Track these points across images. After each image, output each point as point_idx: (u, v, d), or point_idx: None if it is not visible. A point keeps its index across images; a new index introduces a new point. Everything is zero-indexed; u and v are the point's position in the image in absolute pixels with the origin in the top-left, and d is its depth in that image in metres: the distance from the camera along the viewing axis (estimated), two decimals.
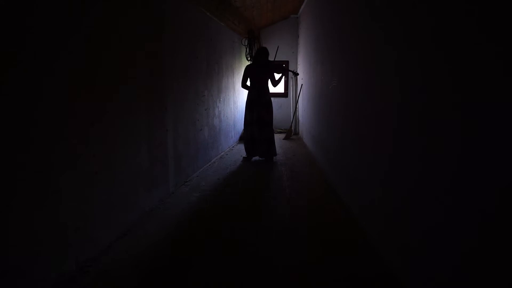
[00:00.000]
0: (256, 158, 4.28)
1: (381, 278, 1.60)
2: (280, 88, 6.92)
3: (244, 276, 1.63)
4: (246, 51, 5.81)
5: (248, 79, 4.14)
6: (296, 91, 6.49)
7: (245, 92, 5.99)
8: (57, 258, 1.53)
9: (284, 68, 4.42)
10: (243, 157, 4.30)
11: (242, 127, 5.95)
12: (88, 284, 1.56)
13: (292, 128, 6.36)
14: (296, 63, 6.63)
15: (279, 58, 6.62)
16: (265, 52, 4.11)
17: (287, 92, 6.86)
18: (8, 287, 1.28)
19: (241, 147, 5.15)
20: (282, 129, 6.70)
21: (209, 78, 3.95)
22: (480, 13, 1.00)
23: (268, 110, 4.11)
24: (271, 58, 4.98)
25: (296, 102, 6.34)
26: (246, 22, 5.45)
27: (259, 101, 4.06)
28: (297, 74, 4.85)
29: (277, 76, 4.30)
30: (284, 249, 1.90)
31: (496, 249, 0.93)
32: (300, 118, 6.24)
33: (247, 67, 4.13)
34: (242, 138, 5.65)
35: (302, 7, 5.60)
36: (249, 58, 5.84)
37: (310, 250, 1.88)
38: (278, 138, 6.05)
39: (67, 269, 1.58)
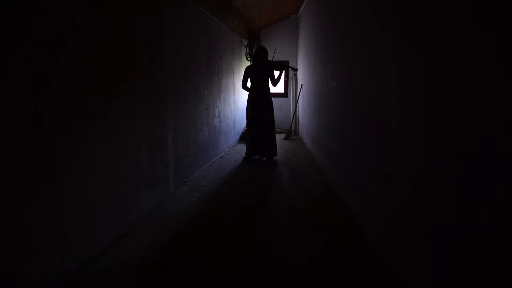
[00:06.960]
0: (256, 157, 4.29)
1: (381, 277, 1.60)
2: (280, 88, 6.92)
3: (245, 276, 1.63)
4: (246, 51, 5.81)
5: (249, 80, 4.15)
6: (296, 91, 6.49)
7: (245, 92, 6.02)
8: (57, 258, 1.53)
9: (283, 64, 4.42)
10: (243, 156, 4.31)
11: (242, 127, 5.97)
12: (88, 284, 1.56)
13: (292, 128, 6.36)
14: (296, 63, 6.63)
15: (278, 58, 6.63)
16: (264, 51, 4.12)
17: (287, 92, 6.86)
18: (8, 287, 1.28)
19: (241, 147, 5.15)
20: (282, 129, 6.70)
21: (209, 78, 3.95)
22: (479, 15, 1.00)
23: (269, 110, 4.12)
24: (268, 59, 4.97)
25: (296, 102, 6.34)
26: (246, 22, 5.44)
27: (260, 100, 4.07)
28: (296, 69, 4.85)
29: (276, 74, 4.28)
30: (284, 248, 1.90)
31: (497, 249, 0.93)
32: (300, 118, 6.24)
33: (247, 68, 4.15)
34: (244, 138, 5.66)
35: (302, 7, 5.60)
36: (249, 58, 5.84)
37: (310, 250, 1.88)
38: (278, 138, 6.05)
39: (67, 269, 1.59)
